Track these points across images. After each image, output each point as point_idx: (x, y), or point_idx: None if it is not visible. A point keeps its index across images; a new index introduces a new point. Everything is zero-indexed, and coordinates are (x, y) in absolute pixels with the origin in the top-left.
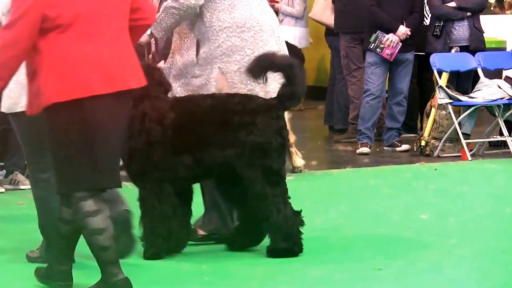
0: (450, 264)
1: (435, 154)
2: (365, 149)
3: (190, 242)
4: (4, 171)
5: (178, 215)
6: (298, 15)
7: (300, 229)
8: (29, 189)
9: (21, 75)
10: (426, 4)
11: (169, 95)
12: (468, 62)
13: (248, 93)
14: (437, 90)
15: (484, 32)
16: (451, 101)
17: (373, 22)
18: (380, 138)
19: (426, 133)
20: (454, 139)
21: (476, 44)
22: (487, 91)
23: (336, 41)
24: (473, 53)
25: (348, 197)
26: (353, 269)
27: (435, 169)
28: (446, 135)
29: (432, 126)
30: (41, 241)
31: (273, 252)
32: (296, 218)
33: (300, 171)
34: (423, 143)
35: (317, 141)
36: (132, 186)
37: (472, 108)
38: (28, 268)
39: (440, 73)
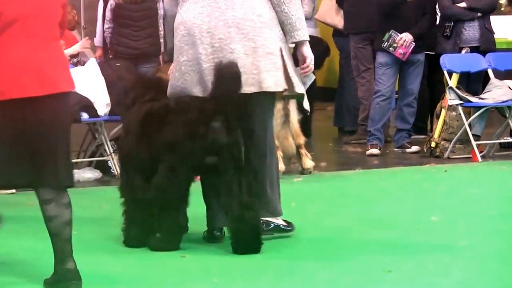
0: (460, 266)
1: (445, 155)
2: (374, 151)
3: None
4: None
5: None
6: (306, 15)
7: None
8: None
9: None
10: (436, 5)
11: None
12: (478, 63)
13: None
14: (447, 91)
15: (494, 33)
16: (461, 102)
17: (380, 25)
18: (390, 140)
19: (436, 134)
20: (464, 141)
21: (486, 45)
22: (497, 92)
23: (343, 42)
24: (483, 54)
25: (357, 199)
26: (363, 271)
27: (445, 171)
28: (456, 136)
29: (442, 127)
30: None
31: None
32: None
33: (310, 173)
34: (433, 144)
35: (326, 143)
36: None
37: (482, 109)
38: (39, 269)
39: (450, 74)
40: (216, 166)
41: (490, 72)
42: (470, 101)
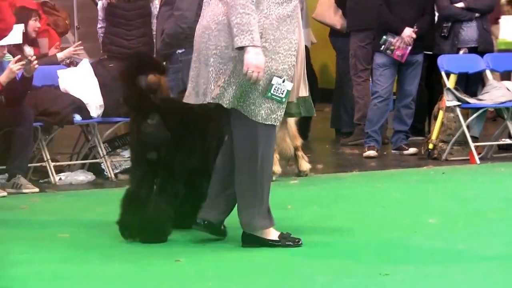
0: (459, 269)
1: (443, 157)
2: (372, 153)
3: None
4: (6, 174)
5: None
6: None
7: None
8: (32, 193)
9: None
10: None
11: None
12: (476, 63)
13: None
14: (445, 92)
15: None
16: (459, 103)
17: (380, 23)
18: (388, 141)
19: (434, 136)
20: (462, 142)
21: (484, 45)
22: (495, 93)
23: (340, 42)
24: (481, 54)
25: (355, 201)
26: (360, 274)
27: (443, 173)
28: (454, 138)
29: (440, 129)
30: None
31: None
32: None
33: (306, 175)
34: (430, 146)
35: (323, 144)
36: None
37: (480, 111)
38: (33, 272)
39: (448, 75)
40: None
41: (488, 73)
42: (468, 102)
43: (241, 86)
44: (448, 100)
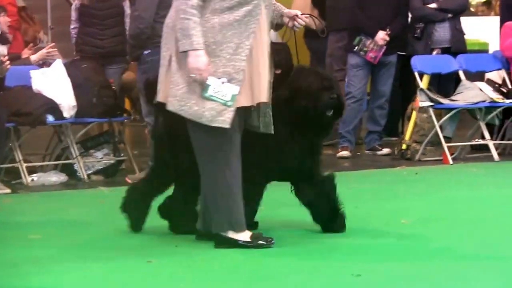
0: (432, 270)
1: (416, 157)
2: (345, 153)
3: None
4: None
5: None
6: None
7: None
8: (4, 193)
9: None
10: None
11: None
12: (449, 64)
13: None
14: (418, 93)
15: (465, 34)
16: (432, 104)
17: (353, 25)
18: (361, 142)
19: (407, 136)
20: (435, 143)
21: (457, 46)
22: (468, 94)
23: (315, 43)
24: (454, 55)
25: None
26: (332, 275)
27: (416, 173)
28: (427, 138)
29: (413, 129)
30: None
31: None
32: None
33: None
34: (404, 146)
35: None
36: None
37: (453, 111)
38: (4, 274)
39: (421, 75)
40: None
41: (461, 73)
42: (441, 103)
43: (179, 88)
44: (421, 101)
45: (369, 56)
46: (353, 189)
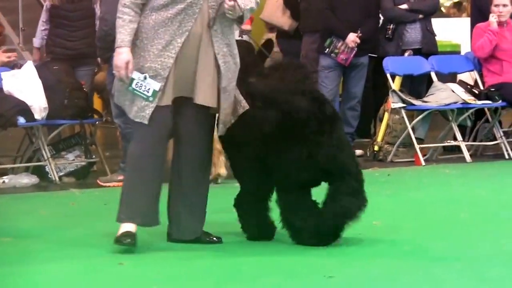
0: (404, 271)
1: (389, 159)
2: None
3: None
4: None
5: None
6: None
7: None
8: None
9: None
10: None
11: None
12: (421, 65)
13: None
14: (390, 94)
15: (436, 35)
16: (404, 105)
17: (325, 27)
18: None
19: (379, 138)
20: (407, 144)
21: (428, 47)
22: (440, 95)
23: (288, 44)
24: (426, 56)
25: None
26: (305, 276)
27: (388, 175)
28: (400, 140)
29: (385, 130)
30: None
31: None
32: None
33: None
34: (376, 148)
35: None
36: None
37: (425, 113)
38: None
39: (393, 77)
40: None
41: (433, 75)
42: (413, 104)
43: (121, 83)
44: (393, 102)
45: (340, 58)
46: (325, 190)
